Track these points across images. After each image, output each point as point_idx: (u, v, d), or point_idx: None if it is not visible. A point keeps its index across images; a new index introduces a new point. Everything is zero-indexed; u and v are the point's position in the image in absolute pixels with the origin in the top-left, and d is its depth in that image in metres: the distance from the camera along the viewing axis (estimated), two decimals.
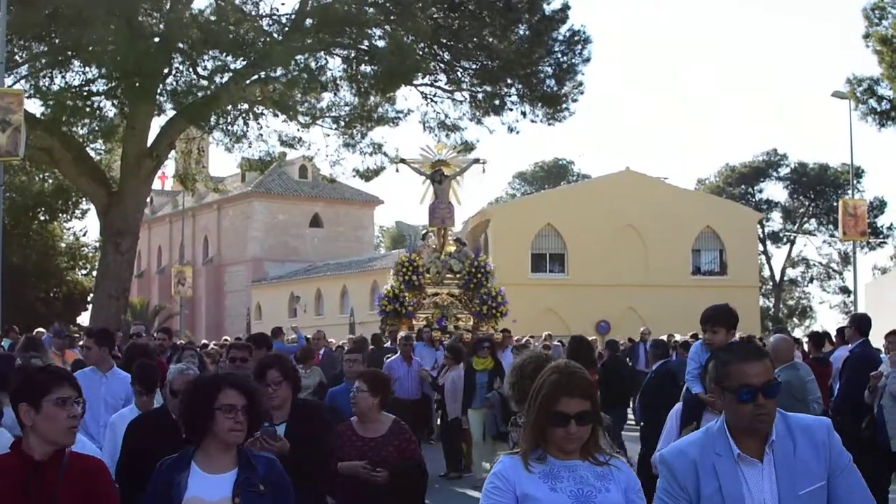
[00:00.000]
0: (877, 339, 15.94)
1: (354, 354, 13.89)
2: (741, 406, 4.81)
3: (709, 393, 7.36)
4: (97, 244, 53.68)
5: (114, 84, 36.32)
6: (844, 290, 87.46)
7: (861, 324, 15.35)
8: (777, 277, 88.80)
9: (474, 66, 41.78)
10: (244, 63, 36.69)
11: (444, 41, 40.61)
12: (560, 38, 41.21)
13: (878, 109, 44.54)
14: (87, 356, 11.75)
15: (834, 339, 20.27)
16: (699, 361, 10.19)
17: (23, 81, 36.00)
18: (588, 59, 41.76)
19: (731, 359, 4.93)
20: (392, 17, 38.04)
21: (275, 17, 38.63)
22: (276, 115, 39.37)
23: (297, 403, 8.21)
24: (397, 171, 38.67)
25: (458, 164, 34.30)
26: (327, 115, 40.29)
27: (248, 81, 37.54)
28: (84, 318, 51.67)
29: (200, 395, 5.57)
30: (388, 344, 25.99)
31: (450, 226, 33.84)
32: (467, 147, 40.48)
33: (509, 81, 41.48)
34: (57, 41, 35.39)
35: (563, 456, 5.01)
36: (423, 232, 34.60)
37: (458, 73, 42.04)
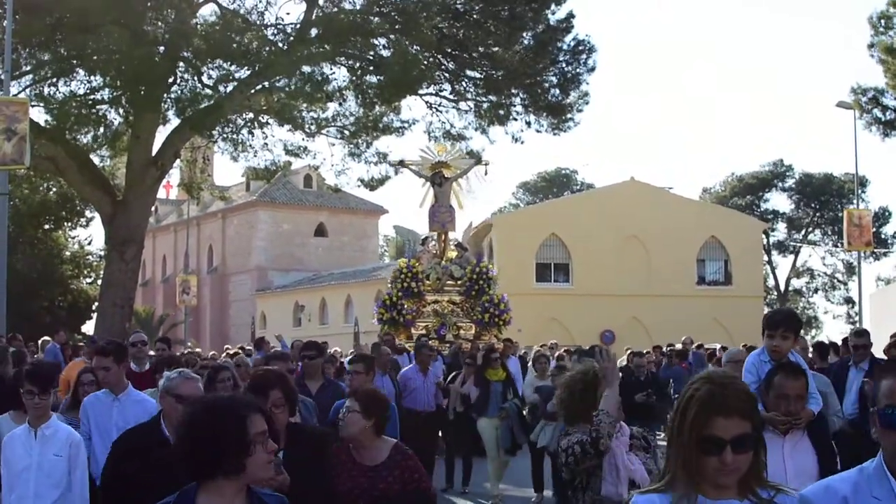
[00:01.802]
0: (880, 348, 15.95)
1: (358, 365, 12.25)
2: None
3: (772, 411, 7.10)
4: (102, 253, 53.70)
5: (119, 93, 36.38)
6: (849, 301, 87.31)
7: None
8: (782, 287, 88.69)
9: (479, 76, 41.81)
10: (249, 72, 36.72)
11: (449, 51, 40.65)
12: (565, 47, 41.25)
13: (883, 119, 44.53)
14: (106, 378, 10.36)
15: (840, 350, 20.22)
16: (758, 374, 8.85)
17: (28, 90, 36.04)
18: (593, 69, 41.81)
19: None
20: (397, 27, 38.08)
21: (280, 27, 38.68)
22: (281, 125, 39.40)
23: (292, 428, 7.23)
24: (396, 173, 38.62)
25: (458, 166, 33.09)
26: (332, 124, 40.35)
27: (252, 91, 37.57)
28: (89, 327, 51.65)
29: (232, 421, 4.38)
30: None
31: (450, 230, 32.57)
32: (472, 156, 40.43)
33: (514, 91, 41.48)
34: (62, 49, 35.44)
35: (716, 493, 3.94)
36: (423, 237, 33.15)
37: (463, 83, 42.06)
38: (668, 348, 28.14)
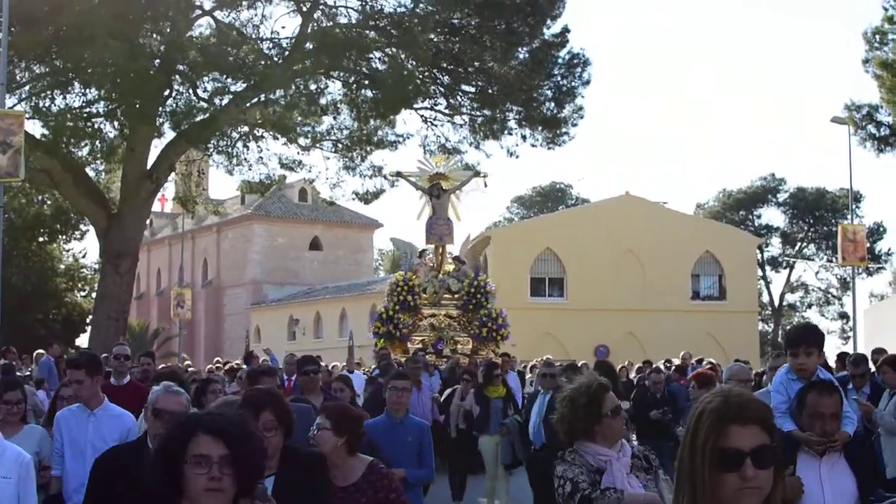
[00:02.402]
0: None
1: (399, 381, 10.99)
2: None
3: (807, 431, 6.96)
4: (96, 266, 53.69)
5: (114, 105, 36.35)
6: (843, 316, 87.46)
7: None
8: (776, 302, 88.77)
9: (474, 90, 41.87)
10: (244, 86, 36.75)
11: (445, 65, 40.72)
12: (560, 61, 41.32)
13: (877, 135, 44.49)
14: (79, 392, 9.69)
15: (834, 365, 20.21)
16: (787, 394, 8.46)
17: (24, 102, 36.03)
18: (588, 82, 41.94)
19: None
20: (392, 41, 38.16)
21: (275, 41, 38.75)
22: (276, 138, 39.47)
23: (286, 451, 6.65)
24: (393, 185, 38.45)
25: (457, 178, 32.75)
26: (327, 138, 40.39)
27: (248, 104, 37.62)
28: (83, 340, 51.68)
29: (169, 441, 4.16)
30: (375, 371, 23.93)
31: (448, 243, 32.14)
32: (469, 169, 40.43)
33: (509, 105, 41.53)
34: (58, 62, 35.45)
35: None
36: (420, 249, 32.51)
37: (458, 97, 42.12)
38: (666, 363, 27.74)
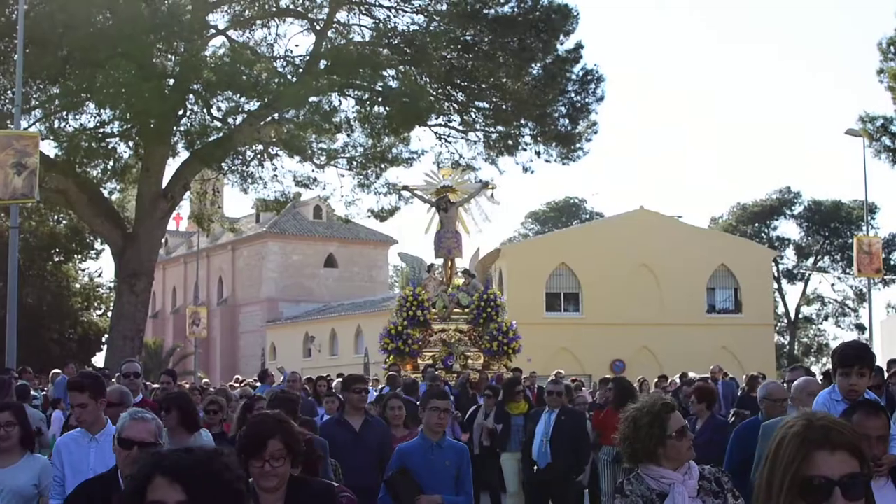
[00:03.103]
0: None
1: (440, 402, 10.07)
2: None
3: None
4: (112, 285, 53.81)
5: (128, 125, 36.49)
6: (860, 327, 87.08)
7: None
8: (792, 315, 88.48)
9: (488, 107, 41.91)
10: (258, 104, 36.83)
11: (458, 82, 40.77)
12: (574, 77, 41.33)
13: (892, 147, 44.45)
14: (82, 416, 8.97)
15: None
16: None
17: (38, 123, 36.18)
18: (602, 98, 41.95)
19: None
20: (406, 59, 38.23)
21: (289, 59, 38.94)
22: (290, 156, 39.54)
23: (294, 483, 6.15)
24: (400, 198, 38.25)
25: (465, 191, 31.75)
26: (342, 155, 40.42)
27: (262, 122, 37.73)
28: (99, 359, 51.71)
29: (130, 483, 3.58)
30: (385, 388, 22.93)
31: (457, 256, 31.22)
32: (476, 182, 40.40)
33: (523, 121, 41.55)
34: (71, 83, 35.58)
35: None
36: (429, 264, 31.43)
37: (472, 114, 42.18)
38: (682, 378, 27.32)
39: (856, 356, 8.05)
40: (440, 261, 31.27)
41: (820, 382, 10.89)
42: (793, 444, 3.09)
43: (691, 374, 27.64)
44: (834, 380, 8.37)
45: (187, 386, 23.89)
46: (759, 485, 3.15)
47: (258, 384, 24.68)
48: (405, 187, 34.08)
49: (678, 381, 26.88)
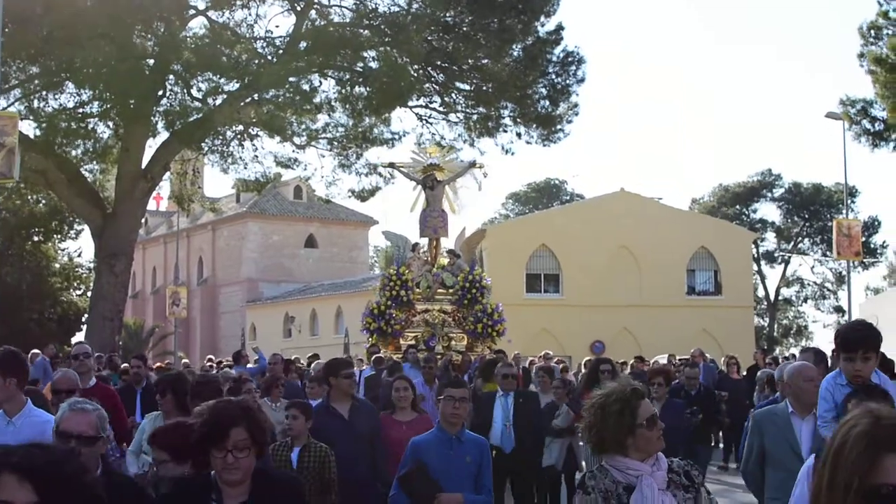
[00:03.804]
0: None
1: (455, 390, 9.25)
2: None
3: None
4: (91, 265, 53.66)
5: (108, 106, 36.39)
6: (839, 310, 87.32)
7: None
8: (772, 297, 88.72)
9: (469, 88, 41.91)
10: (238, 85, 36.80)
11: (439, 63, 40.76)
12: (554, 59, 41.34)
13: (872, 130, 44.55)
14: None
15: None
16: (833, 400, 7.66)
17: (17, 103, 36.06)
18: (582, 80, 41.97)
19: None
20: (386, 40, 38.16)
21: (269, 40, 38.79)
22: (270, 137, 39.48)
23: (258, 476, 5.65)
24: (387, 181, 37.97)
25: (452, 169, 30.92)
26: (322, 136, 40.37)
27: (242, 103, 37.63)
28: (79, 340, 51.60)
29: None
30: (367, 370, 23.12)
31: (442, 236, 30.56)
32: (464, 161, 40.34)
33: (504, 103, 41.54)
34: (51, 63, 35.45)
35: None
36: (413, 243, 30.45)
37: (453, 95, 42.16)
38: (680, 359, 27.13)
39: (861, 339, 7.61)
40: (425, 240, 30.50)
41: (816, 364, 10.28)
42: (858, 447, 2.74)
43: (661, 359, 27.56)
44: (838, 363, 7.96)
45: (172, 365, 23.78)
46: (819, 486, 2.82)
47: (232, 365, 24.37)
48: (391, 164, 33.22)
49: (662, 361, 26.91)
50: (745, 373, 25.93)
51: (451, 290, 29.09)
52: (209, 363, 27.93)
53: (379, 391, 17.92)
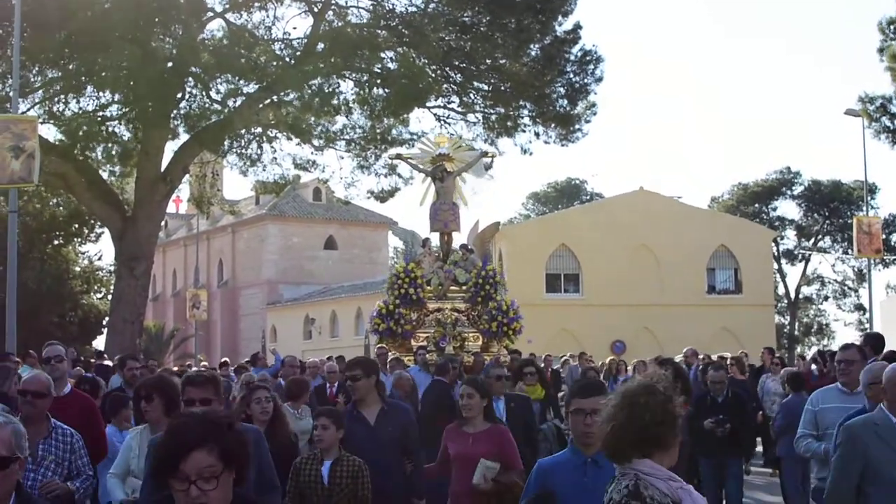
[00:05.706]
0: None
1: (585, 400, 7.02)
2: None
3: None
4: (112, 268, 53.82)
5: (128, 109, 36.51)
6: (860, 308, 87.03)
7: (876, 342, 12.76)
8: (792, 295, 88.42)
9: (487, 88, 41.90)
10: (257, 87, 36.86)
11: (457, 63, 40.75)
12: (572, 58, 41.29)
13: (891, 127, 44.40)
14: None
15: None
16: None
17: (38, 107, 36.19)
18: (600, 79, 41.90)
19: None
20: (404, 41, 38.19)
21: (287, 42, 38.88)
22: (289, 139, 39.56)
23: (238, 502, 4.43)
24: (393, 168, 37.73)
25: (462, 159, 28.84)
26: (341, 137, 40.46)
27: (261, 105, 37.71)
28: (99, 342, 51.74)
29: None
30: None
31: (454, 229, 28.15)
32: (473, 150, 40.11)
33: (522, 102, 41.52)
34: (71, 67, 35.56)
35: None
36: (424, 238, 28.30)
37: (471, 95, 42.15)
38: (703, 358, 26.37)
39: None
40: (436, 235, 28.29)
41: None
42: None
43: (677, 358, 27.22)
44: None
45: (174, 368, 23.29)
46: None
47: (251, 368, 23.90)
48: (398, 156, 31.87)
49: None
50: (747, 373, 24.98)
51: (463, 288, 27.03)
52: (223, 367, 27.43)
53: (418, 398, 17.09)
